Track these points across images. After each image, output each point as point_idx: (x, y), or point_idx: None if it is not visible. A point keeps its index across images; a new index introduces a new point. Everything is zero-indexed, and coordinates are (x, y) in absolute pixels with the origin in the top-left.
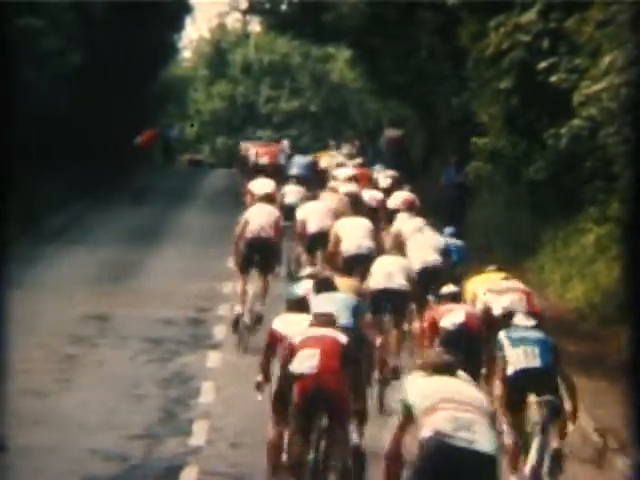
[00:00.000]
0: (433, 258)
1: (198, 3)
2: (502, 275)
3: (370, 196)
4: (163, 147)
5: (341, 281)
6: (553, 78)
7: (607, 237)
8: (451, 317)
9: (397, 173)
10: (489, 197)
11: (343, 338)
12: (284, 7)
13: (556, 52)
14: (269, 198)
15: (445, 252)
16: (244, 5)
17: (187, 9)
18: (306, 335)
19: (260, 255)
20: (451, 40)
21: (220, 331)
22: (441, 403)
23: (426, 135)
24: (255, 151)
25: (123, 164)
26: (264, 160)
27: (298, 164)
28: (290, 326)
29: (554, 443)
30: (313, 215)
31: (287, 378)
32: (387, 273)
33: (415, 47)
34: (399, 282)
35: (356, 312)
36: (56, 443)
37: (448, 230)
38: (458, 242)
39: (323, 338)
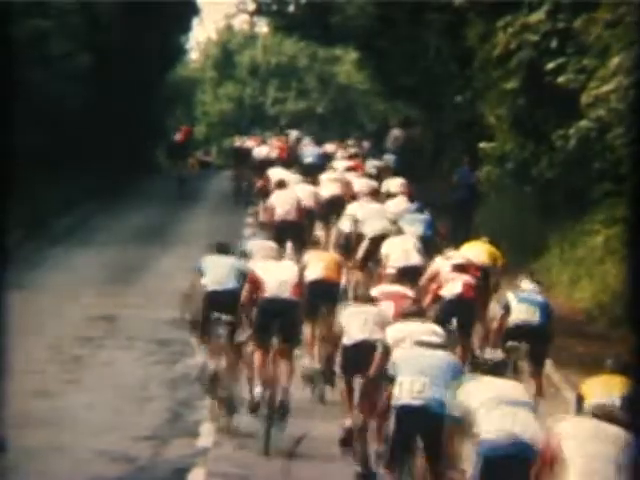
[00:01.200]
0: (382, 225)
1: (205, 4)
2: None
3: (363, 184)
4: (167, 150)
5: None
6: (561, 79)
7: (616, 238)
8: (450, 287)
9: (402, 174)
10: (497, 198)
11: None
12: (291, 9)
13: (564, 52)
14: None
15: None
16: (251, 7)
17: (194, 11)
18: None
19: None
20: (458, 41)
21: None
22: (496, 404)
23: (433, 136)
24: (258, 145)
25: (130, 166)
26: (273, 154)
27: (311, 154)
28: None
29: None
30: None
31: None
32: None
33: (422, 48)
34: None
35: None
36: (63, 444)
37: (412, 206)
38: (423, 216)
39: None
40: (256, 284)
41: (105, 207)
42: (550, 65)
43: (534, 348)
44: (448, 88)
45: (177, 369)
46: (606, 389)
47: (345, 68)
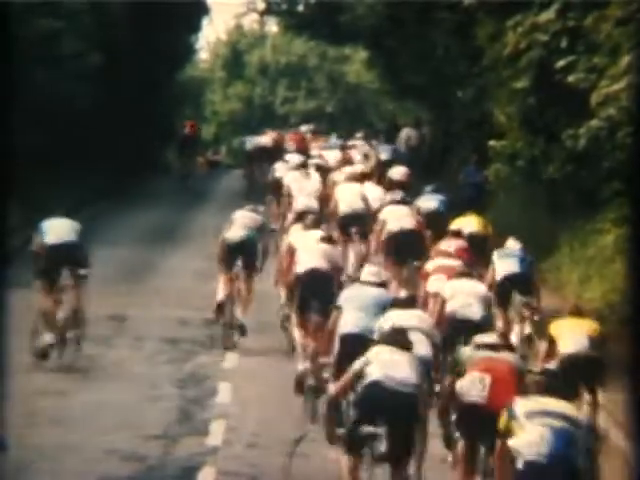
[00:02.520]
0: (358, 205)
1: (215, 4)
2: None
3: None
4: (177, 149)
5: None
6: (571, 78)
7: (625, 237)
8: (398, 222)
9: (414, 173)
10: (506, 197)
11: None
12: (301, 8)
13: (574, 51)
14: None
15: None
16: (261, 6)
17: (204, 10)
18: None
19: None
20: (468, 40)
21: (237, 332)
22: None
23: (443, 135)
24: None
25: (139, 165)
26: (290, 145)
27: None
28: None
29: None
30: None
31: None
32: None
33: (432, 47)
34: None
35: None
36: (73, 443)
37: (428, 188)
38: (440, 196)
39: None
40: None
41: (113, 206)
42: (560, 63)
43: (523, 294)
44: (458, 87)
45: (187, 368)
46: (575, 334)
47: (354, 67)
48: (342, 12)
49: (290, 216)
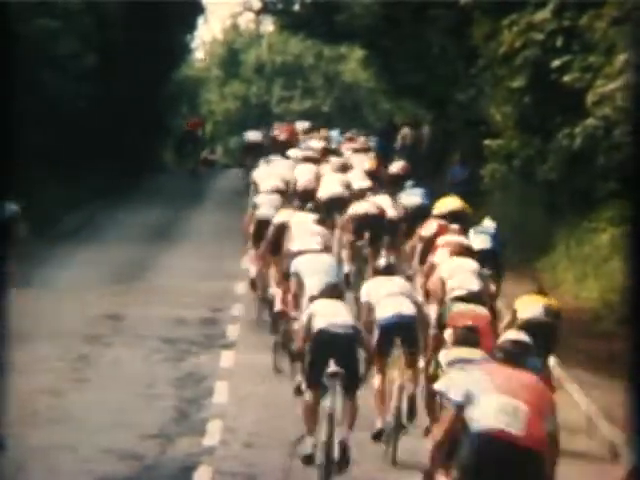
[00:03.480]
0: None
1: (211, 4)
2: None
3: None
4: (175, 147)
5: None
6: (567, 77)
7: (622, 236)
8: (358, 207)
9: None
10: (502, 196)
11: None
12: (297, 7)
13: (570, 50)
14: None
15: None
16: (257, 5)
17: (200, 10)
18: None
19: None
20: (464, 39)
21: (233, 331)
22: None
23: (439, 135)
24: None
25: (136, 164)
26: (282, 137)
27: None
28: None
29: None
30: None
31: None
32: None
33: (428, 47)
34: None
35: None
36: (70, 442)
37: (409, 183)
38: (421, 190)
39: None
40: None
41: (111, 205)
42: (556, 63)
43: (490, 269)
44: (454, 87)
45: (183, 367)
46: (533, 304)
47: (351, 67)
48: (338, 11)
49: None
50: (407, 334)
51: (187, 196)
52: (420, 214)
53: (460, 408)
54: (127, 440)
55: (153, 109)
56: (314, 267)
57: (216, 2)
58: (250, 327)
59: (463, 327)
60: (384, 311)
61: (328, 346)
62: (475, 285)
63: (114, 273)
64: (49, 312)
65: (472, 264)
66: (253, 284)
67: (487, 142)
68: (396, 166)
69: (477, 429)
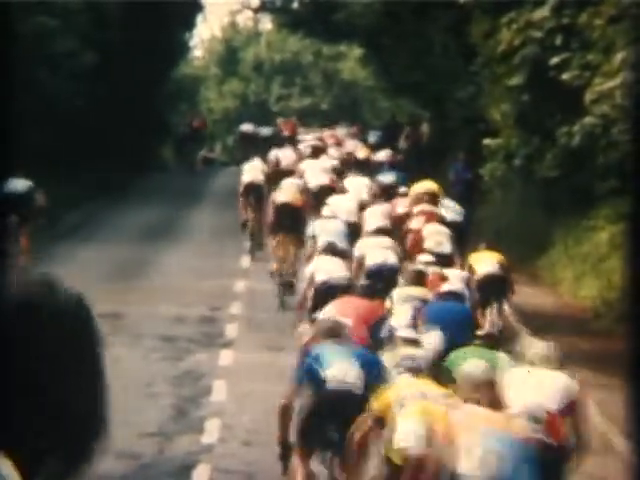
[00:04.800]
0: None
1: (209, 2)
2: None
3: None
4: (174, 146)
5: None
6: (565, 75)
7: (621, 235)
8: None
9: (411, 171)
10: (501, 194)
11: None
12: (295, 5)
13: (568, 48)
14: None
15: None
16: (255, 3)
17: (198, 8)
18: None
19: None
20: (463, 38)
21: (232, 329)
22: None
23: (440, 133)
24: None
25: (135, 163)
26: (286, 133)
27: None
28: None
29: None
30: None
31: None
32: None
33: (427, 45)
34: None
35: None
36: None
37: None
38: (396, 172)
39: None
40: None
41: (110, 204)
42: (554, 61)
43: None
44: (453, 85)
45: (182, 366)
46: (489, 261)
47: (349, 65)
48: (337, 9)
49: None
50: (391, 280)
51: (186, 194)
52: (392, 190)
53: None
54: (125, 438)
55: (152, 107)
56: (327, 229)
57: (215, 0)
58: (249, 325)
59: (413, 270)
60: (373, 258)
61: (327, 294)
62: (447, 248)
63: (113, 271)
64: None
65: (445, 229)
66: (275, 271)
67: (486, 141)
68: (381, 155)
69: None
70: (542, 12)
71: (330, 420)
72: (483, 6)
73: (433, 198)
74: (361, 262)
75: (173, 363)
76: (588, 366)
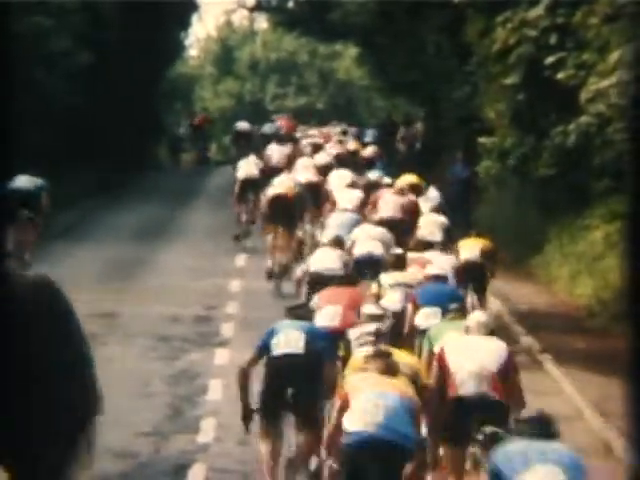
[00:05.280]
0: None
1: (205, 1)
2: None
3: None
4: (170, 145)
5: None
6: (561, 74)
7: (616, 234)
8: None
9: (410, 170)
10: (496, 193)
11: None
12: (291, 4)
13: (564, 48)
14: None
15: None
16: (251, 3)
17: (194, 7)
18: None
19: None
20: (458, 37)
21: (228, 329)
22: None
23: (435, 132)
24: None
25: (130, 162)
26: (284, 130)
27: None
28: None
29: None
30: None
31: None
32: None
33: (422, 45)
34: None
35: None
36: None
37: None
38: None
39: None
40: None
41: (105, 203)
42: (549, 60)
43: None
44: (448, 84)
45: (177, 365)
46: (472, 248)
47: (345, 64)
48: (332, 9)
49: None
50: (376, 269)
51: (181, 194)
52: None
53: None
54: (121, 438)
55: (147, 107)
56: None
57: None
58: (244, 325)
59: (393, 254)
60: (360, 249)
61: (321, 284)
62: (438, 237)
63: (108, 271)
64: None
65: (440, 219)
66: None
67: (482, 140)
68: (368, 151)
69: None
70: (537, 11)
71: (283, 384)
72: (478, 5)
73: (415, 190)
74: (350, 250)
75: (169, 362)
76: (583, 365)
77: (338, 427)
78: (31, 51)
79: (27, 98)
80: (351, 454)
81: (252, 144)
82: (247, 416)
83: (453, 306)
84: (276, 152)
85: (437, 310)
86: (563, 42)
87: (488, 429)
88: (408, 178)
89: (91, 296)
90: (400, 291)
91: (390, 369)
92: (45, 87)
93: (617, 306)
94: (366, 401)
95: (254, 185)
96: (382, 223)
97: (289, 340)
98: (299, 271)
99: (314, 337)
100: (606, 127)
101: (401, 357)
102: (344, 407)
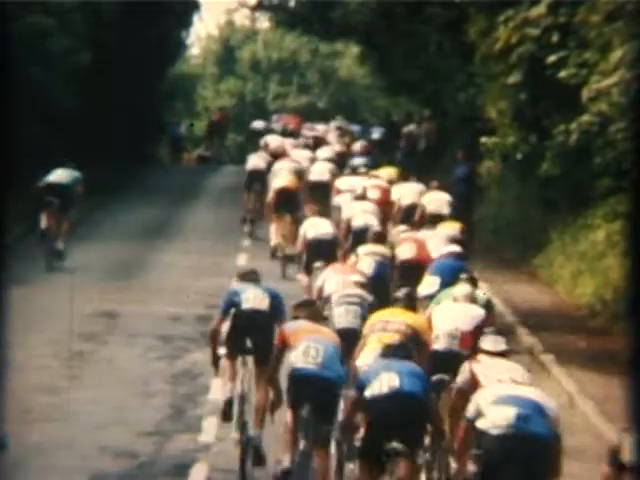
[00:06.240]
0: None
1: (206, 0)
2: None
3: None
4: (171, 144)
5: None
6: (562, 73)
7: (617, 233)
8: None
9: (410, 170)
10: (499, 193)
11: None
12: (292, 4)
13: (565, 46)
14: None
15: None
16: (252, 2)
17: (195, 6)
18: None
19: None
20: (460, 36)
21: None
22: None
23: (438, 131)
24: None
25: (131, 161)
26: (291, 127)
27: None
28: None
29: None
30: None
31: None
32: None
33: (424, 43)
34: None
35: None
36: (66, 440)
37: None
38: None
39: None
40: None
41: (106, 202)
42: (551, 59)
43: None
44: (450, 83)
45: (179, 364)
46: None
47: (346, 63)
48: (334, 8)
49: None
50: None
51: (182, 193)
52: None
53: None
54: (123, 437)
55: (148, 106)
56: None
57: None
58: None
59: (374, 231)
60: (357, 221)
61: (318, 248)
62: (446, 210)
63: (110, 270)
64: (44, 309)
65: (445, 195)
66: (274, 249)
67: (483, 140)
68: (357, 146)
69: None
70: (538, 10)
71: (246, 333)
72: (479, 4)
73: (392, 181)
74: (348, 224)
75: (170, 362)
76: (584, 364)
77: (278, 361)
78: (31, 51)
79: (27, 98)
80: (295, 382)
81: None
82: (215, 361)
83: (463, 276)
84: (274, 141)
85: (436, 279)
86: (565, 41)
87: (436, 377)
88: (386, 170)
89: (92, 295)
90: (373, 259)
91: (316, 315)
92: (45, 87)
93: (619, 305)
94: (306, 344)
95: (260, 176)
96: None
97: (256, 298)
98: (298, 244)
99: (275, 299)
100: (608, 126)
101: (405, 317)
102: (283, 347)
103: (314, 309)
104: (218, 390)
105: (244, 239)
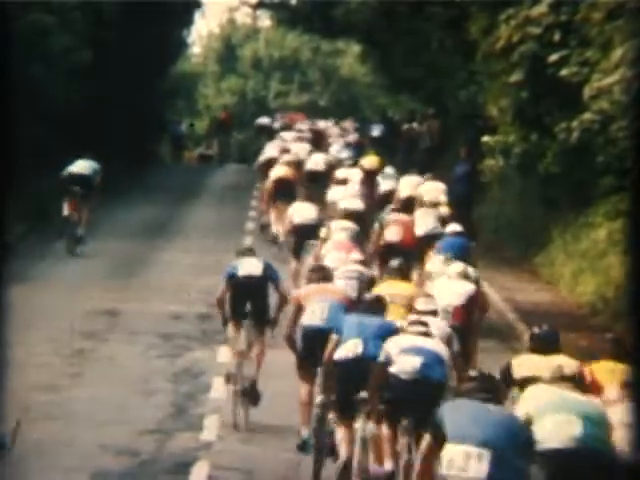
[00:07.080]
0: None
1: None
2: None
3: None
4: (172, 143)
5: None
6: (564, 71)
7: (619, 231)
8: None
9: (411, 168)
10: (500, 191)
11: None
12: (294, 2)
13: (567, 45)
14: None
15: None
16: (254, 0)
17: (196, 4)
18: None
19: None
20: (461, 34)
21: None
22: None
23: (440, 129)
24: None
25: (133, 160)
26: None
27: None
28: None
29: None
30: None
31: None
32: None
33: (425, 42)
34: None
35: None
36: (67, 438)
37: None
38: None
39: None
40: None
41: (108, 201)
42: (553, 57)
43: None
44: (451, 81)
45: (180, 363)
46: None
47: (348, 61)
48: (335, 6)
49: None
50: (358, 218)
51: (183, 192)
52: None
53: None
54: (124, 436)
55: (149, 105)
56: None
57: None
58: None
59: (344, 209)
60: (345, 204)
61: (304, 233)
62: (443, 198)
63: (111, 268)
64: (45, 307)
65: (441, 185)
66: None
67: (485, 139)
68: (351, 138)
69: None
70: (540, 8)
71: (245, 298)
72: (481, 2)
73: (375, 170)
74: (334, 207)
75: (171, 360)
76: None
77: (294, 321)
78: (32, 49)
79: (27, 96)
80: (306, 335)
81: (271, 136)
82: (225, 322)
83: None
84: (270, 147)
85: (440, 258)
86: (566, 39)
87: None
88: (368, 160)
89: (94, 294)
90: (345, 233)
91: (326, 277)
92: (45, 85)
93: (620, 304)
94: (316, 304)
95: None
96: None
97: (251, 265)
98: (285, 229)
99: (267, 265)
100: (609, 124)
101: (401, 289)
102: (299, 309)
103: (325, 272)
104: (219, 388)
105: (246, 237)
